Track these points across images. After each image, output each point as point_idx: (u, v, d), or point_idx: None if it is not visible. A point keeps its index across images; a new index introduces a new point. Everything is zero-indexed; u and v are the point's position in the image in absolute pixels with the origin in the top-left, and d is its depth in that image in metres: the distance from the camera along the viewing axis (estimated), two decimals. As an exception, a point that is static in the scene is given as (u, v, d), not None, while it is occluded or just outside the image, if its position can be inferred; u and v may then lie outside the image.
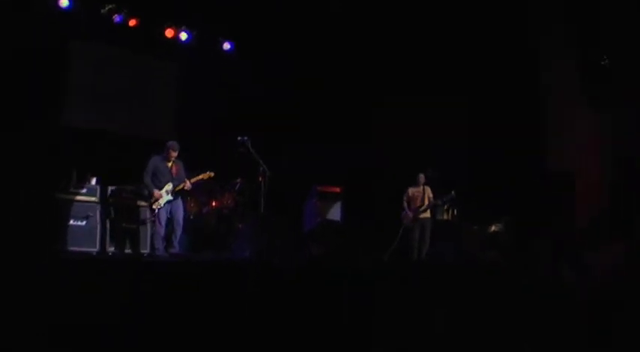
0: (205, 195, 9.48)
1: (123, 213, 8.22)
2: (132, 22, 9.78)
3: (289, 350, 3.78)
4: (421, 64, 10.34)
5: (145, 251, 8.17)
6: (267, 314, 4.04)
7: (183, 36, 10.37)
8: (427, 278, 5.54)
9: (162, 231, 8.01)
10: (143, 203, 8.27)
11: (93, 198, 8.06)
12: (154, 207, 7.97)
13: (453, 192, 9.29)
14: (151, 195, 7.97)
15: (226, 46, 10.88)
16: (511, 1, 9.74)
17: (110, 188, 8.25)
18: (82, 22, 9.39)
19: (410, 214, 9.32)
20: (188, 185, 8.15)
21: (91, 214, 7.95)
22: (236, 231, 9.36)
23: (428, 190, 9.41)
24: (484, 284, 5.27)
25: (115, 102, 10.03)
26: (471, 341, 3.98)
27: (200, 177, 8.30)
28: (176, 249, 8.03)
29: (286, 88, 11.00)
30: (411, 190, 9.44)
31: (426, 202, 9.31)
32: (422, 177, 9.42)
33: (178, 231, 8.11)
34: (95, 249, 7.90)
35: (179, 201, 8.18)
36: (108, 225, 8.08)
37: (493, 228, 9.69)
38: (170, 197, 8.05)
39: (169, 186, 8.05)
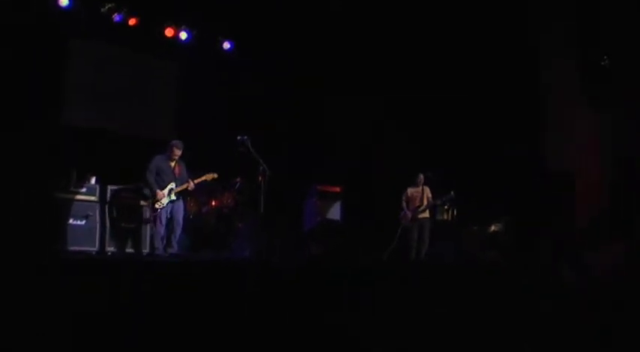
0: (205, 195, 9.47)
1: (123, 213, 8.20)
2: (132, 21, 9.76)
3: (289, 350, 3.78)
4: (421, 63, 10.34)
5: (145, 251, 8.16)
6: (267, 313, 4.03)
7: (183, 35, 10.35)
8: (427, 278, 5.54)
9: (162, 230, 8.00)
10: (143, 202, 8.26)
11: (92, 198, 8.05)
12: (156, 206, 7.95)
13: (452, 193, 9.28)
14: (154, 194, 7.95)
15: (226, 45, 10.86)
16: (511, 1, 9.74)
17: (110, 187, 8.23)
18: (82, 21, 9.38)
19: (409, 214, 9.32)
20: (192, 185, 8.15)
21: (91, 213, 7.94)
22: (236, 231, 9.36)
23: (427, 190, 9.40)
24: (484, 284, 5.27)
25: (114, 102, 10.02)
26: (471, 341, 3.97)
27: (204, 178, 8.30)
28: (175, 248, 8.02)
29: (286, 87, 11.00)
30: (409, 190, 9.44)
31: (425, 202, 9.30)
32: (421, 177, 9.41)
33: (178, 231, 8.09)
34: (94, 249, 7.89)
35: (180, 202, 8.16)
36: (108, 225, 8.07)
37: (493, 228, 9.70)
38: (173, 197, 8.04)
39: (172, 186, 8.04)
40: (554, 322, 4.30)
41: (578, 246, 7.52)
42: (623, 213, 8.58)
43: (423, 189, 9.38)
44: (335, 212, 10.35)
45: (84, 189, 8.02)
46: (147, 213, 8.19)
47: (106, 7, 9.54)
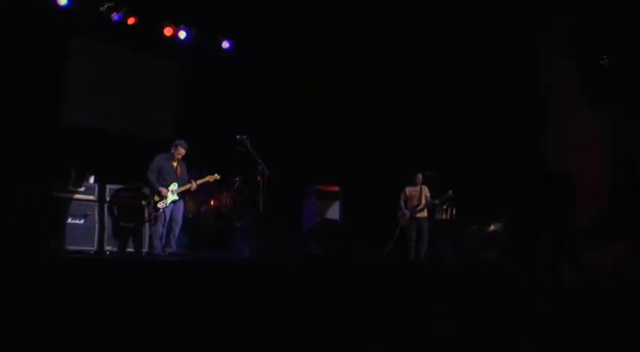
0: (204, 194, 9.47)
1: (123, 212, 8.19)
2: (131, 21, 9.76)
3: (288, 349, 3.77)
4: (421, 63, 10.33)
5: (144, 250, 8.15)
6: (266, 313, 4.02)
7: (182, 34, 10.35)
8: (427, 278, 5.54)
9: (161, 230, 7.99)
10: (143, 202, 8.25)
11: (91, 197, 8.03)
12: (159, 205, 7.94)
13: (450, 192, 9.28)
14: (158, 193, 7.94)
15: (225, 44, 10.86)
16: (511, 1, 9.73)
17: (109, 186, 8.22)
18: (81, 20, 9.38)
19: (407, 213, 9.31)
20: (194, 186, 8.16)
21: (89, 213, 7.93)
22: (235, 230, 9.35)
23: (425, 189, 9.39)
24: (484, 284, 5.26)
25: (114, 101, 10.03)
26: (471, 341, 3.96)
27: (206, 179, 8.31)
28: (173, 248, 8.02)
29: (286, 87, 10.98)
30: (408, 189, 9.43)
31: (423, 201, 9.29)
32: (419, 176, 9.41)
33: (177, 231, 8.10)
34: (93, 248, 7.88)
35: (181, 202, 8.17)
36: (107, 224, 8.06)
37: (492, 227, 9.68)
38: (175, 197, 8.04)
39: (174, 186, 8.03)
40: (554, 322, 4.29)
41: (578, 246, 7.51)
42: (623, 213, 8.56)
43: (421, 189, 9.37)
44: (334, 212, 10.34)
45: (83, 189, 8.01)
46: (147, 213, 8.18)
47: (105, 6, 9.53)
